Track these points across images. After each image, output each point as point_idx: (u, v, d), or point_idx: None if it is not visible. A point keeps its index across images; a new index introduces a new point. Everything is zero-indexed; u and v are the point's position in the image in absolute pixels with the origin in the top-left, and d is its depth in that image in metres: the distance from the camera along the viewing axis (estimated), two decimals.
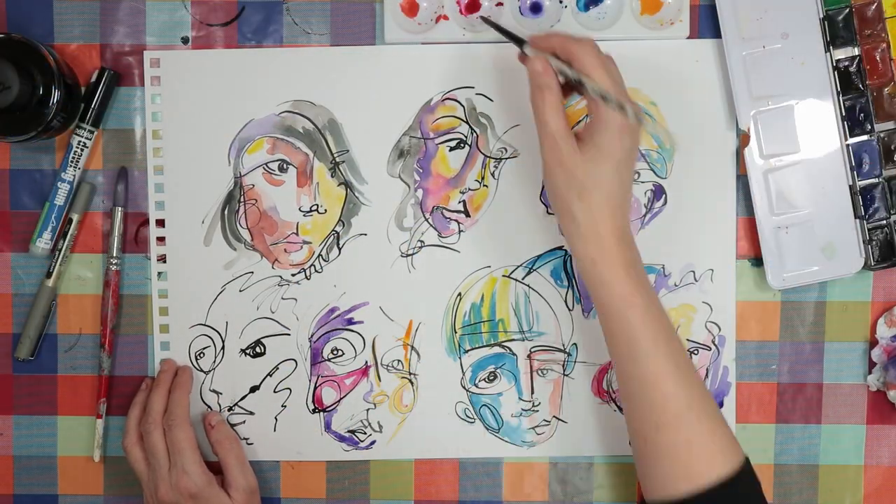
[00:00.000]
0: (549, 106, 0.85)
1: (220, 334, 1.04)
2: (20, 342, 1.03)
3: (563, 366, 1.03)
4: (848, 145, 1.00)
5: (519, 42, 0.91)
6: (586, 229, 0.86)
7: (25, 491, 1.06)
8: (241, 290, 1.03)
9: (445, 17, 1.01)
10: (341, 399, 1.04)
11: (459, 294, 1.03)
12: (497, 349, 1.03)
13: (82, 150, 1.01)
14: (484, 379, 1.04)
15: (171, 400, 1.01)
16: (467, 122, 1.02)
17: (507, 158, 1.02)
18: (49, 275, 1.02)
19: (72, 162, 1.01)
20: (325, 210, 1.02)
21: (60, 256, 1.02)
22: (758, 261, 1.02)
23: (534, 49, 0.88)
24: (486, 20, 0.97)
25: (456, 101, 1.02)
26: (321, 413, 1.04)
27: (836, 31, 0.99)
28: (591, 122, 0.86)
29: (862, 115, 1.00)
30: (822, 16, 1.00)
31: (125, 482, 1.05)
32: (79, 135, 1.01)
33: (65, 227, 1.02)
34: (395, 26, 1.01)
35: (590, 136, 0.85)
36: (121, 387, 1.05)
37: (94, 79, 1.01)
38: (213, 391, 1.04)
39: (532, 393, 1.04)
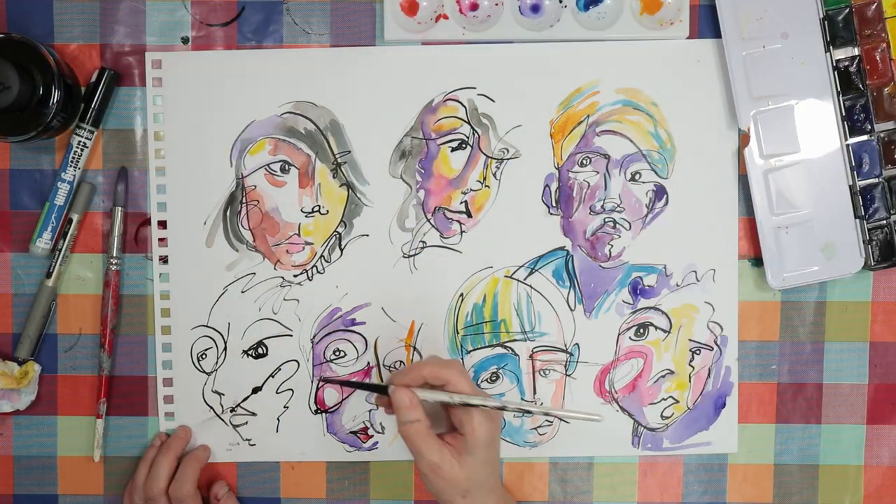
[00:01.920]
0: (421, 438, 0.90)
1: (222, 335, 1.03)
2: (20, 342, 1.03)
3: (565, 366, 1.04)
4: (848, 145, 1.00)
5: (382, 389, 0.94)
6: None
7: (25, 491, 1.06)
8: (243, 292, 1.03)
9: (445, 17, 1.01)
10: (343, 400, 1.04)
11: (461, 295, 1.03)
12: (499, 350, 1.04)
13: (82, 150, 1.01)
14: (486, 379, 1.04)
15: (183, 473, 1.01)
16: (469, 123, 1.02)
17: (508, 159, 1.02)
18: (49, 275, 1.02)
19: (72, 162, 1.01)
20: (327, 211, 1.02)
21: (60, 256, 1.02)
22: (758, 261, 1.03)
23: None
24: (329, 381, 1.02)
25: (457, 101, 1.02)
26: (323, 414, 1.04)
27: (836, 31, 1.00)
28: (465, 437, 0.91)
29: (862, 115, 1.00)
30: (822, 16, 1.00)
31: (125, 482, 1.05)
32: (79, 135, 1.00)
33: (65, 227, 1.02)
34: (395, 25, 1.01)
35: (466, 448, 0.91)
36: (121, 387, 1.05)
37: (94, 79, 1.01)
38: (216, 392, 1.04)
39: (534, 393, 1.04)
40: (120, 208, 1.02)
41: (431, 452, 0.90)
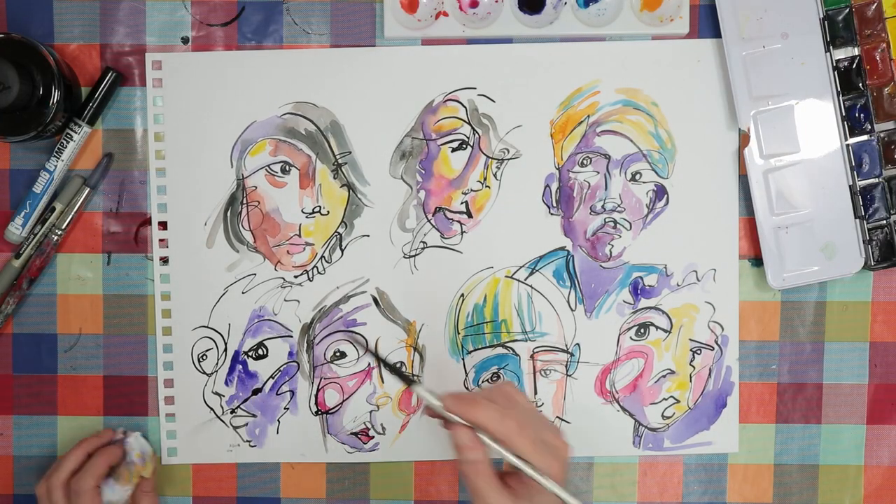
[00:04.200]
0: (483, 479, 0.85)
1: (222, 336, 1.03)
2: None
3: (566, 366, 1.04)
4: (848, 145, 1.00)
5: (407, 381, 0.88)
6: None
7: (25, 491, 1.06)
8: (243, 292, 1.03)
9: (445, 14, 1.01)
10: (344, 401, 1.04)
11: (462, 295, 1.03)
12: (500, 350, 1.04)
13: (68, 142, 1.00)
14: (487, 380, 1.04)
15: (90, 464, 0.99)
16: (469, 123, 1.02)
17: (509, 159, 1.02)
18: (18, 255, 1.02)
19: (56, 152, 1.00)
20: (328, 211, 1.02)
21: (35, 240, 1.01)
22: (758, 261, 1.03)
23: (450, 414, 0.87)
24: (374, 354, 1.01)
25: (458, 102, 1.02)
26: (324, 415, 1.04)
27: (836, 31, 1.00)
28: (526, 483, 0.86)
29: (862, 115, 1.00)
30: (822, 16, 1.00)
31: None
32: (70, 129, 1.00)
33: (45, 215, 1.02)
34: (395, 23, 1.01)
35: (526, 492, 0.86)
36: (121, 387, 1.05)
37: (98, 78, 1.01)
38: (216, 393, 1.04)
39: (535, 394, 1.04)
40: (88, 189, 1.02)
41: (490, 495, 0.85)
